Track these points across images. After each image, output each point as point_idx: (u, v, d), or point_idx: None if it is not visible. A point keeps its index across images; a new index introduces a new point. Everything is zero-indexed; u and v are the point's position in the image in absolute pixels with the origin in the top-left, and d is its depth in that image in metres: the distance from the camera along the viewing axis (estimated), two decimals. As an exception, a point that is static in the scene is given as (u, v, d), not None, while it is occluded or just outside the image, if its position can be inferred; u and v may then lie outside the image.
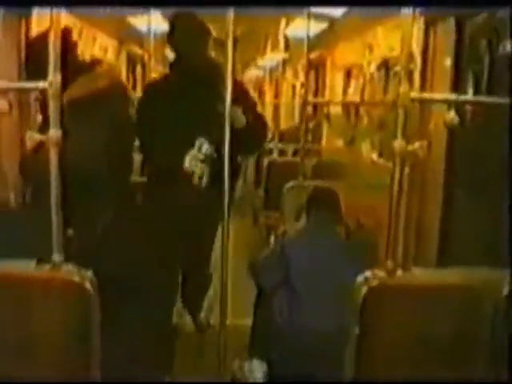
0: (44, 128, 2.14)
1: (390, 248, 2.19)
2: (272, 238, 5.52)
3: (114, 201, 3.15)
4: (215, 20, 3.77)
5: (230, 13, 3.11)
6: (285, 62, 8.15)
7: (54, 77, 2.08)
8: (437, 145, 3.72)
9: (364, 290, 2.17)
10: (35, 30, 4.11)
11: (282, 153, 7.49)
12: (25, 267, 2.28)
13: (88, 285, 2.19)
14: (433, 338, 2.11)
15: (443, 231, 3.77)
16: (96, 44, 6.14)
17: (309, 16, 4.84)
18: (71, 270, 2.21)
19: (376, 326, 2.17)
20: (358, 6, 4.82)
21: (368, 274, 2.19)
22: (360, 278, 2.19)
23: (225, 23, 3.12)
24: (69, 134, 2.75)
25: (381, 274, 2.19)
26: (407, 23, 2.17)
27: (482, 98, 2.20)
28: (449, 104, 2.21)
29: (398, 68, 2.25)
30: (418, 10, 2.29)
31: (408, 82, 2.19)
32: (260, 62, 10.46)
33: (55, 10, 2.04)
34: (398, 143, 2.17)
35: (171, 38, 4.05)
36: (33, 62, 2.73)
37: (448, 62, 4.03)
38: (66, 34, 2.99)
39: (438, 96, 2.28)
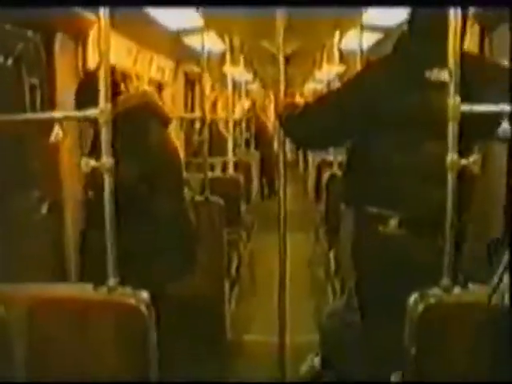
0: (94, 153, 2.18)
1: (447, 265, 2.15)
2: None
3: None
4: (268, 35, 3.78)
5: (280, 27, 3.13)
6: (343, 75, 8.11)
7: (104, 105, 2.13)
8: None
9: (420, 308, 2.13)
10: (92, 56, 4.21)
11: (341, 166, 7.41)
12: (83, 291, 2.32)
13: (143, 307, 2.21)
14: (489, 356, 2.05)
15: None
16: (153, 66, 6.23)
17: (361, 28, 4.80)
18: (127, 293, 2.23)
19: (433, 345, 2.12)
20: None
21: (425, 291, 2.16)
22: (416, 296, 2.15)
23: (276, 39, 3.15)
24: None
25: (437, 291, 2.15)
26: (455, 31, 2.13)
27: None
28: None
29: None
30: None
31: (458, 93, 2.15)
32: (318, 75, 10.45)
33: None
34: (451, 157, 2.14)
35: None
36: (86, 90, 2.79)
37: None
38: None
39: (490, 108, 2.21)
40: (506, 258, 1.87)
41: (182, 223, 3.39)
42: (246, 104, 8.94)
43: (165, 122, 3.44)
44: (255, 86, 13.60)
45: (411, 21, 3.06)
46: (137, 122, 3.12)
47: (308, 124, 3.09)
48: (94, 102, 2.15)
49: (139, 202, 3.08)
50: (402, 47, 3.04)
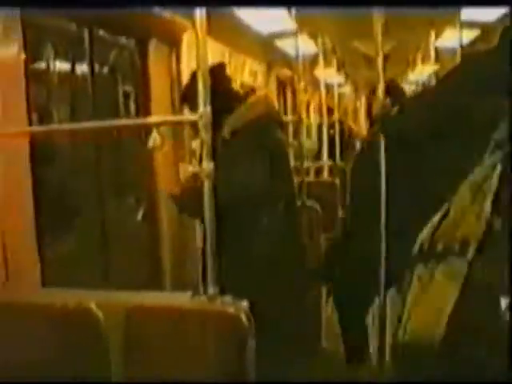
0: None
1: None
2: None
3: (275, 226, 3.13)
4: (364, 36, 3.70)
5: (378, 28, 3.04)
6: (437, 75, 7.90)
7: (203, 109, 2.08)
8: None
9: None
10: (185, 60, 4.21)
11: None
12: (180, 299, 2.29)
13: (243, 316, 2.15)
14: None
15: None
16: (245, 70, 6.21)
17: (460, 26, 4.63)
18: (226, 302, 2.18)
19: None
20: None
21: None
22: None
23: (373, 40, 3.06)
24: (232, 163, 2.78)
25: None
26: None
27: None
28: None
29: None
30: None
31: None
32: (411, 76, 10.25)
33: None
34: None
35: None
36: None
37: None
38: (218, 68, 3.02)
39: None
40: None
41: (293, 232, 3.32)
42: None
43: (282, 126, 3.39)
44: (347, 89, 13.44)
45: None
46: (263, 131, 3.07)
47: (404, 121, 2.97)
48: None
49: (255, 210, 3.02)
50: (502, 42, 2.87)
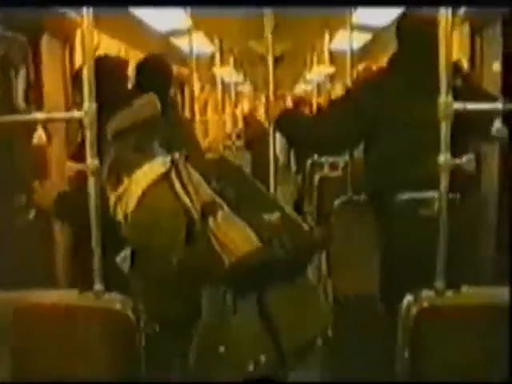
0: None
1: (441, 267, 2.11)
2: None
3: None
4: (257, 36, 3.75)
5: (269, 29, 3.09)
6: (333, 76, 8.07)
7: (88, 106, 2.07)
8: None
9: (414, 311, 2.09)
10: (79, 56, 4.15)
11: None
12: (67, 296, 2.27)
13: (130, 313, 2.16)
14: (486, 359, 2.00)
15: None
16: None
17: (351, 28, 4.75)
18: (113, 299, 2.18)
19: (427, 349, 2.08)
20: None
21: (417, 294, 2.11)
22: (409, 299, 2.11)
23: (265, 39, 3.11)
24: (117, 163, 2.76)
25: (430, 294, 2.10)
26: (446, 29, 2.07)
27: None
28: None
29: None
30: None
31: (451, 91, 2.09)
32: (308, 76, 10.42)
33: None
34: (443, 157, 2.09)
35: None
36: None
37: (496, 67, 3.92)
38: (104, 60, 2.97)
39: (483, 106, 2.16)
40: None
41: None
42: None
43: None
44: (245, 88, 13.54)
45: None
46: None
47: (323, 129, 3.04)
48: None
49: None
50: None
